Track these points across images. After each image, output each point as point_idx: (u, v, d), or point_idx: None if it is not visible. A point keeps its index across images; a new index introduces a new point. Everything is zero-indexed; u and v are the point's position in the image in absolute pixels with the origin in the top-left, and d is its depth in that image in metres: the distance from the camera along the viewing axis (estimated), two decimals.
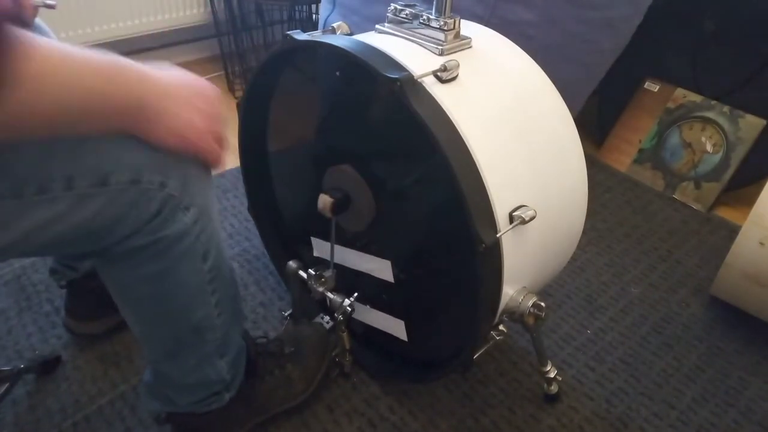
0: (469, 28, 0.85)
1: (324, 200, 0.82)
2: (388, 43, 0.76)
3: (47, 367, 0.96)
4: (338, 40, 0.74)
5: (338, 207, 0.83)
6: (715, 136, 1.53)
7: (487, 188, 0.67)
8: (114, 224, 0.59)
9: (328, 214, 0.82)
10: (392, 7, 0.80)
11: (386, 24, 0.82)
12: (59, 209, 0.55)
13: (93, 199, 0.56)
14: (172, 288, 0.67)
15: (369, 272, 0.90)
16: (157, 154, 0.58)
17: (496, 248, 0.68)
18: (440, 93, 0.69)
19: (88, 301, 0.99)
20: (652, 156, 1.61)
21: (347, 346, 0.95)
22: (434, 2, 0.74)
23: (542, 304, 0.76)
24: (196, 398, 0.79)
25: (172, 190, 0.60)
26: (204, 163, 0.62)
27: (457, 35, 0.77)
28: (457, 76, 0.71)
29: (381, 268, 0.87)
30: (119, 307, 0.73)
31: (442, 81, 0.70)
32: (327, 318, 1.02)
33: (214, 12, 1.90)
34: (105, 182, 0.56)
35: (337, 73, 0.81)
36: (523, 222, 0.69)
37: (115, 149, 0.56)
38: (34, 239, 0.56)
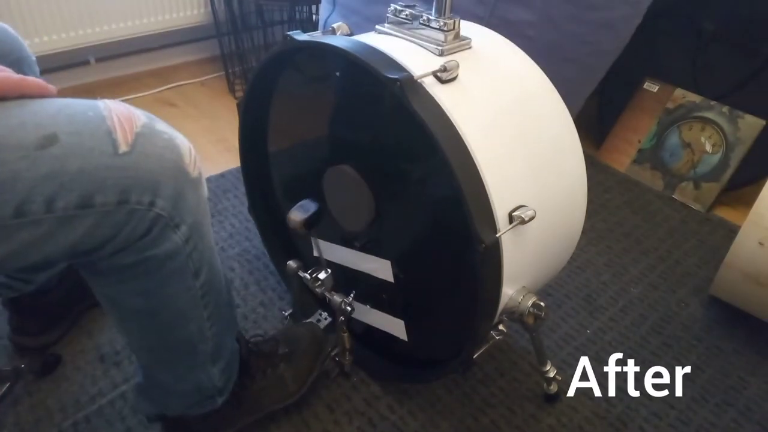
0: (468, 28, 0.85)
1: (294, 217, 0.81)
2: (388, 43, 0.76)
3: (47, 367, 0.96)
4: (338, 41, 0.74)
5: (310, 223, 0.82)
6: (714, 136, 1.53)
7: (486, 188, 0.67)
8: (102, 244, 0.57)
9: (301, 231, 0.82)
10: (392, 8, 0.80)
11: (386, 24, 0.82)
12: (41, 232, 0.53)
13: (78, 221, 0.54)
14: (162, 304, 0.66)
15: (369, 272, 0.90)
16: (146, 172, 0.56)
17: (495, 248, 0.68)
18: (440, 93, 0.69)
19: (39, 317, 0.99)
20: (652, 156, 1.61)
21: (347, 346, 0.95)
22: (434, 3, 0.75)
23: (542, 303, 0.76)
24: (188, 402, 0.79)
25: (161, 209, 0.57)
26: (37, 93, 0.57)
27: (457, 36, 0.77)
28: (456, 76, 0.72)
29: (381, 268, 0.87)
30: (110, 318, 0.72)
31: (441, 81, 0.70)
32: (325, 314, 1.02)
33: (214, 12, 1.90)
34: (89, 204, 0.53)
35: (337, 74, 0.81)
36: (523, 222, 0.69)
37: (100, 169, 0.54)
38: (18, 261, 0.54)
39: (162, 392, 0.79)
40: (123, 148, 0.55)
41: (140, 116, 0.58)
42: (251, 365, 0.86)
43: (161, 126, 0.60)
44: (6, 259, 0.54)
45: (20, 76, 0.56)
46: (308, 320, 1.02)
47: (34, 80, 0.57)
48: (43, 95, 0.57)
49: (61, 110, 0.55)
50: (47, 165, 0.51)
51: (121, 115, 0.56)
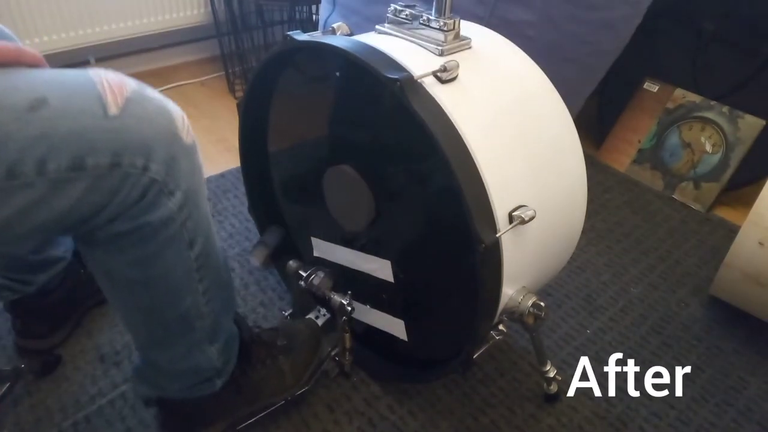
0: (468, 28, 0.85)
1: (257, 256, 0.85)
2: (388, 43, 0.77)
3: (47, 367, 0.96)
4: (338, 41, 0.74)
5: (274, 256, 0.85)
6: (714, 136, 1.53)
7: (486, 188, 0.68)
8: (97, 210, 0.57)
9: (261, 267, 0.84)
10: (392, 8, 0.80)
11: (386, 24, 0.82)
12: (35, 196, 0.53)
13: (71, 184, 0.54)
14: (158, 275, 0.66)
15: (369, 272, 0.90)
16: (138, 135, 0.56)
17: (495, 248, 0.68)
18: (440, 93, 0.69)
19: (43, 319, 0.98)
20: (652, 156, 1.61)
21: (347, 346, 0.95)
22: (434, 3, 0.75)
23: (542, 303, 0.76)
24: (186, 384, 0.79)
25: (155, 174, 0.58)
26: (32, 62, 0.58)
27: (457, 36, 0.77)
28: (456, 76, 0.72)
29: (381, 268, 0.87)
30: (106, 294, 0.71)
31: (441, 81, 0.70)
32: (323, 311, 1.02)
33: (214, 12, 1.90)
34: (81, 166, 0.54)
35: (337, 74, 0.81)
36: (523, 222, 0.69)
37: (89, 131, 0.54)
38: (14, 229, 0.55)
39: (159, 374, 0.78)
40: (113, 111, 0.55)
41: (131, 83, 0.59)
42: (252, 352, 0.86)
43: (152, 93, 0.60)
44: (2, 227, 0.54)
45: (17, 44, 0.57)
46: (307, 316, 1.02)
47: (31, 50, 0.58)
48: (37, 66, 0.58)
49: (53, 77, 0.56)
50: (38, 127, 0.52)
51: (112, 81, 0.57)
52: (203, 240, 0.68)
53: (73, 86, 0.56)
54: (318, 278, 0.92)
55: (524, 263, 0.76)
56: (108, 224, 0.59)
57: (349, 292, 0.90)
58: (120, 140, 0.55)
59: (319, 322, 1.00)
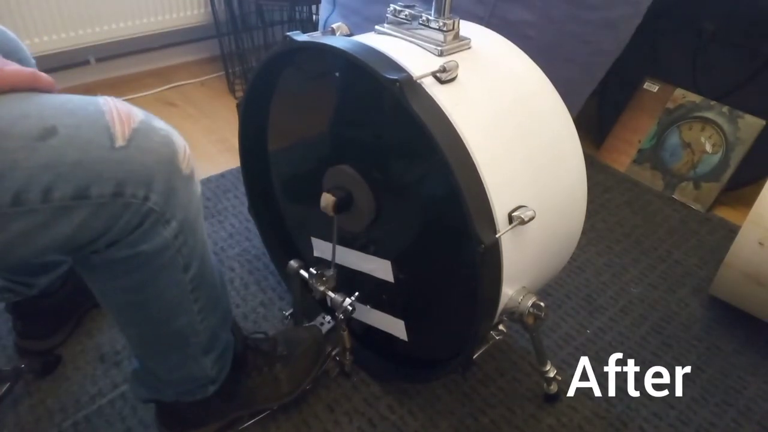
0: (468, 28, 0.85)
1: (327, 199, 0.82)
2: (388, 43, 0.77)
3: (47, 367, 0.96)
4: (338, 41, 0.74)
5: (340, 206, 0.83)
6: (714, 136, 1.53)
7: (486, 189, 0.68)
8: (96, 237, 0.58)
9: (330, 213, 0.83)
10: (392, 8, 0.80)
11: (386, 25, 0.82)
12: (37, 222, 0.54)
13: (73, 212, 0.55)
14: (152, 298, 0.67)
15: (369, 272, 0.90)
16: (141, 166, 0.57)
17: (495, 248, 0.68)
18: (439, 94, 0.69)
19: (43, 321, 0.99)
20: (652, 156, 1.61)
21: (347, 346, 0.95)
22: (433, 3, 0.75)
23: (542, 303, 0.76)
24: (180, 390, 0.80)
25: (154, 204, 0.59)
26: (46, 88, 0.59)
27: (457, 36, 0.77)
28: (456, 76, 0.72)
29: (381, 268, 0.87)
30: (103, 307, 0.72)
31: (441, 82, 0.70)
32: (328, 318, 1.02)
33: (214, 12, 1.90)
34: (85, 195, 0.55)
35: (337, 74, 0.81)
36: (523, 222, 0.69)
37: (96, 162, 0.55)
38: (13, 252, 0.55)
39: (156, 380, 0.80)
40: (120, 142, 0.56)
41: (138, 113, 0.60)
42: (248, 361, 0.87)
43: (158, 123, 0.61)
44: (1, 250, 0.54)
45: (32, 69, 0.57)
46: (311, 323, 1.02)
47: (46, 76, 0.59)
48: (50, 91, 0.58)
49: (63, 104, 0.57)
50: (45, 155, 0.53)
51: (120, 111, 0.58)
52: (198, 263, 0.69)
53: (83, 115, 0.56)
54: (320, 278, 0.92)
55: (524, 263, 0.76)
56: (106, 249, 0.60)
57: (356, 293, 0.90)
58: (124, 171, 0.56)
59: (324, 329, 1.00)
